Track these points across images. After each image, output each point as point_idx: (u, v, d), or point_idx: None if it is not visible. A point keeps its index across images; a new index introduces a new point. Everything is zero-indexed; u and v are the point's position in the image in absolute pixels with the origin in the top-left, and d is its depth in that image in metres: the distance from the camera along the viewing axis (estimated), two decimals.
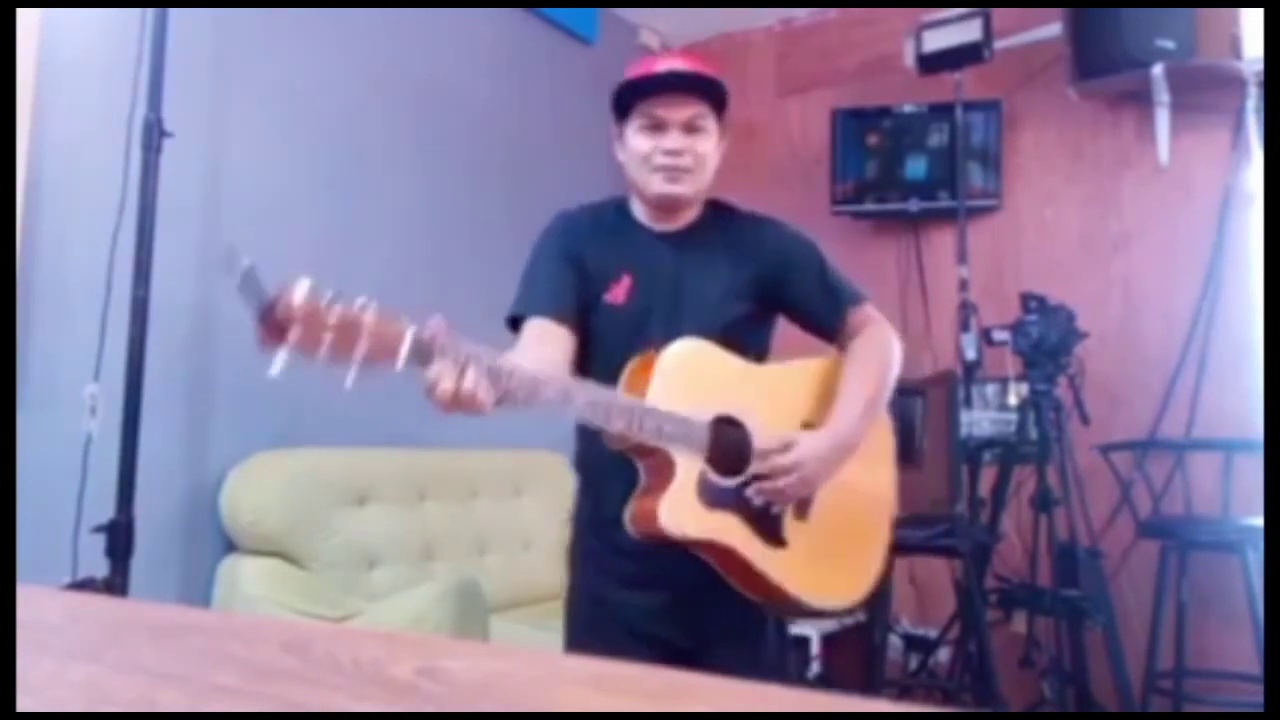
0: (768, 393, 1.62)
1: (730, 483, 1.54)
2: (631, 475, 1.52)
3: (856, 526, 1.69)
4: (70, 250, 2.34)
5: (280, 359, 1.14)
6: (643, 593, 1.62)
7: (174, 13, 2.30)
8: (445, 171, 3.31)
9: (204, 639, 0.63)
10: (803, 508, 1.61)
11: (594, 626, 1.67)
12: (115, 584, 2.07)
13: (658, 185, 1.63)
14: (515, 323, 1.64)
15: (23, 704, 0.47)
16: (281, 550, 2.53)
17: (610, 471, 1.55)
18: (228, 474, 2.58)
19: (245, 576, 2.49)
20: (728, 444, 1.54)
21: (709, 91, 1.64)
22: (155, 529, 2.32)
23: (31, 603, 0.70)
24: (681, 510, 1.48)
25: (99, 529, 2.11)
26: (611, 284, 1.65)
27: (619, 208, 1.74)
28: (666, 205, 1.67)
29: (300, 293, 1.15)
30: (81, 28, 2.39)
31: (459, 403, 1.28)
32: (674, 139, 1.62)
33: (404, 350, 1.24)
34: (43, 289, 2.29)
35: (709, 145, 1.66)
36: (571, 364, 1.61)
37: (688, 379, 1.52)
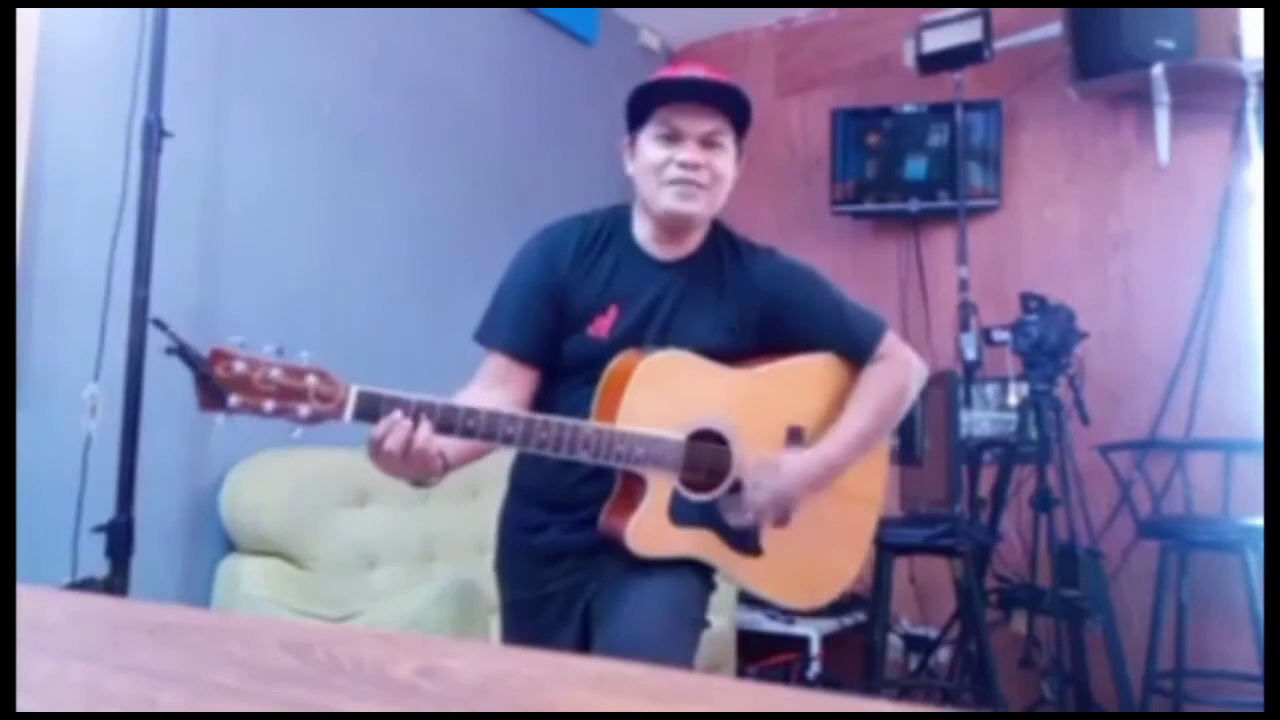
0: (752, 399, 1.58)
1: (705, 498, 1.51)
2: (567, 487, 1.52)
3: (839, 530, 1.67)
4: (70, 250, 2.34)
5: (221, 420, 1.24)
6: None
7: (174, 13, 2.30)
8: (444, 172, 3.31)
9: (204, 639, 0.63)
10: (782, 517, 1.60)
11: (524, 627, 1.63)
12: (115, 584, 2.07)
13: (668, 201, 1.53)
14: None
15: (23, 704, 0.47)
16: (281, 550, 2.53)
17: (543, 477, 1.56)
18: (228, 474, 2.57)
19: (245, 576, 2.49)
20: (705, 460, 1.51)
21: (732, 106, 1.54)
22: (155, 529, 2.31)
23: (31, 603, 0.70)
24: (649, 532, 1.47)
25: (99, 529, 2.11)
26: (596, 316, 1.55)
27: (619, 223, 1.62)
28: (675, 224, 1.57)
29: (240, 359, 1.21)
30: (81, 28, 2.39)
31: (409, 456, 1.32)
32: (690, 151, 1.52)
33: (350, 407, 1.30)
34: (43, 289, 2.29)
35: (727, 163, 1.56)
36: (533, 398, 1.58)
37: (666, 391, 1.48)
